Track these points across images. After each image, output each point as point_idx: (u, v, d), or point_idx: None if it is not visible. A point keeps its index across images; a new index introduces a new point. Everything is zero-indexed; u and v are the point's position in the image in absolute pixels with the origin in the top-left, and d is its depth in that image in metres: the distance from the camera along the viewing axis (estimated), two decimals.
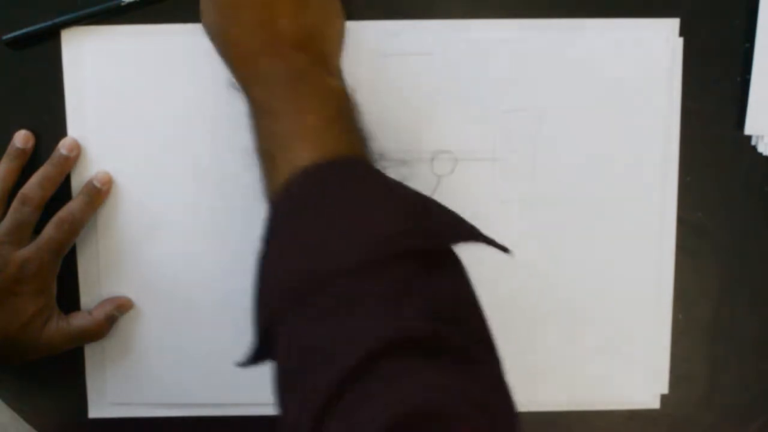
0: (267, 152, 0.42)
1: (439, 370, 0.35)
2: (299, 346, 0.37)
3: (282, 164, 0.40)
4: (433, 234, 0.38)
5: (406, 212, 0.39)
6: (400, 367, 0.34)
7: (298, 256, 0.38)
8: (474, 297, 0.40)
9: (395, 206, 0.39)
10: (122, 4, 0.52)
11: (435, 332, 0.35)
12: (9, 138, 0.53)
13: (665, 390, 0.57)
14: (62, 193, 0.53)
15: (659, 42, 0.53)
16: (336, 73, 0.44)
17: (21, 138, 0.53)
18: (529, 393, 0.56)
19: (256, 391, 0.56)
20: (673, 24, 0.53)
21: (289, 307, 0.38)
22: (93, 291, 0.55)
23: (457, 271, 0.40)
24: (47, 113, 0.53)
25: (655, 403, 0.57)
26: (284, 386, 0.38)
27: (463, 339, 0.36)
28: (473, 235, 0.40)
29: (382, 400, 0.33)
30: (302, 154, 0.39)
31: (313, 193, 0.39)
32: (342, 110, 0.43)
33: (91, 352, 0.56)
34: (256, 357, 0.42)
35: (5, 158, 0.53)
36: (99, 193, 0.53)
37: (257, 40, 0.42)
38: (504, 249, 0.41)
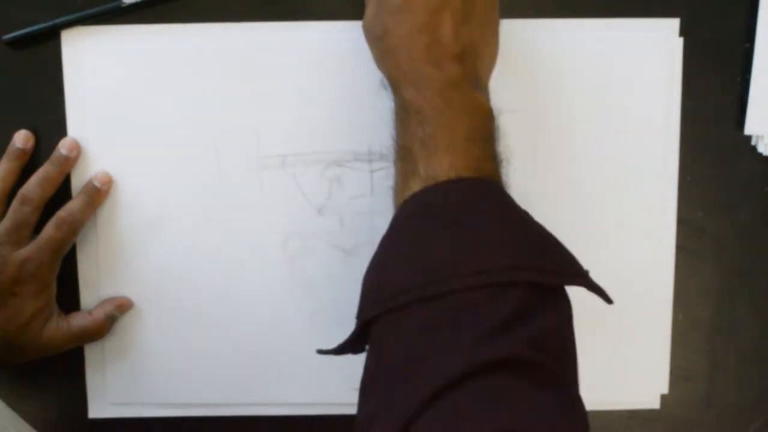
0: (409, 151, 0.43)
1: (540, 396, 0.36)
2: (406, 347, 0.38)
3: (422, 167, 0.42)
4: (554, 271, 0.40)
5: (533, 244, 0.41)
6: (503, 386, 0.36)
7: (425, 259, 0.40)
8: (574, 339, 0.41)
9: (524, 236, 0.41)
10: (123, 4, 0.52)
11: (541, 361, 0.37)
12: (9, 138, 0.53)
13: (665, 390, 0.57)
14: (62, 193, 0.53)
15: (659, 42, 0.53)
16: (485, 91, 0.46)
17: (21, 138, 0.53)
18: None
19: (257, 391, 0.56)
20: (673, 24, 0.53)
21: (403, 307, 0.39)
22: (93, 291, 0.55)
23: (565, 310, 0.41)
24: (47, 113, 0.53)
25: (655, 403, 0.57)
26: (378, 384, 0.39)
27: (565, 376, 0.38)
28: (586, 279, 0.42)
29: (480, 415, 0.35)
30: (444, 163, 0.42)
31: (453, 205, 0.41)
32: (487, 129, 0.45)
33: (91, 352, 0.56)
34: (347, 347, 0.44)
35: (5, 158, 0.53)
36: (99, 193, 0.53)
37: (420, 44, 0.44)
38: (608, 300, 0.43)
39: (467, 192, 0.42)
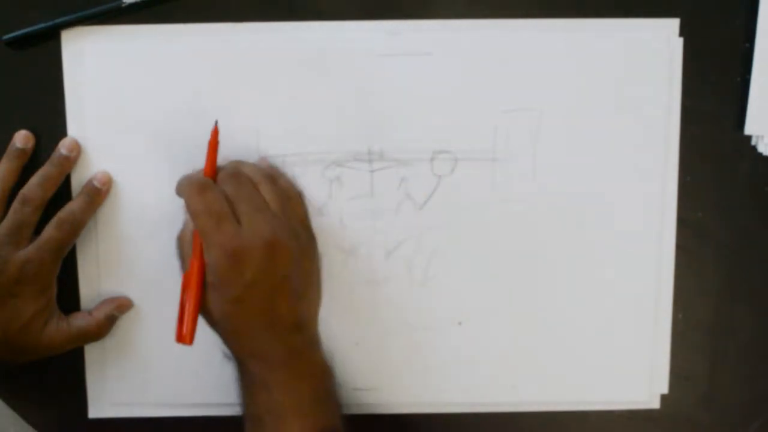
0: (259, 419, 0.47)
1: None
2: None
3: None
4: None
5: None
6: None
7: None
8: None
9: None
10: (123, 4, 0.52)
11: None
12: (9, 138, 0.53)
13: (665, 390, 0.57)
14: (62, 193, 0.53)
15: (659, 42, 0.53)
16: (320, 343, 0.50)
17: (21, 138, 0.53)
18: (529, 392, 0.56)
19: None
20: (673, 24, 0.53)
21: None
22: (93, 291, 0.55)
23: None
24: (47, 113, 0.53)
25: (655, 403, 0.57)
26: None
27: None
28: None
29: None
30: (295, 427, 0.46)
31: None
32: (329, 386, 0.49)
33: (91, 352, 0.56)
34: None
35: (5, 158, 0.53)
36: (99, 193, 0.53)
37: (260, 324, 0.47)
38: None
39: None
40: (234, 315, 0.47)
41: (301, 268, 0.48)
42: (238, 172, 0.48)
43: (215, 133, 0.49)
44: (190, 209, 0.46)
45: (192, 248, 0.47)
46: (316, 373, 0.49)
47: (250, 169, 0.49)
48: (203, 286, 0.47)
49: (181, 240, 0.49)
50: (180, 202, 0.47)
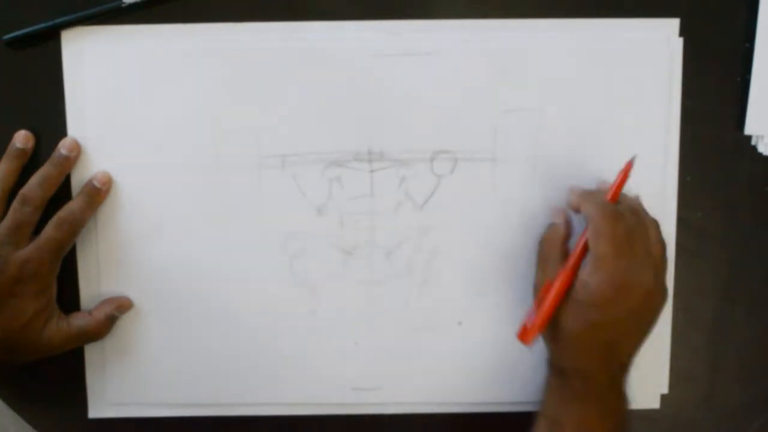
0: (557, 423, 0.50)
1: None
2: None
3: None
4: None
5: None
6: None
7: None
8: None
9: None
10: (123, 4, 0.52)
11: None
12: (9, 138, 0.53)
13: (665, 390, 0.57)
14: (62, 193, 0.53)
15: (659, 42, 0.53)
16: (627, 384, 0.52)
17: (21, 138, 0.53)
18: (529, 393, 0.56)
19: (257, 391, 0.56)
20: (673, 24, 0.53)
21: None
22: (93, 291, 0.55)
23: None
24: (47, 113, 0.53)
25: (655, 403, 0.57)
26: None
27: None
28: None
29: None
30: None
31: None
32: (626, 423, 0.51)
33: (91, 352, 0.56)
34: None
35: (5, 158, 0.53)
36: (99, 193, 0.53)
37: (601, 352, 0.49)
38: None
39: None
40: (585, 336, 0.48)
41: (654, 318, 0.50)
42: (640, 210, 0.50)
43: (630, 165, 0.50)
44: (595, 229, 0.48)
45: (561, 257, 0.50)
46: (622, 408, 0.51)
47: (644, 209, 0.51)
48: (566, 296, 0.49)
49: (548, 242, 0.52)
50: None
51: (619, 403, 0.50)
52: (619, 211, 0.49)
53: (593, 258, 0.48)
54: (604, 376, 0.49)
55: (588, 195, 0.51)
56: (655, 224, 0.51)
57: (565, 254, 0.51)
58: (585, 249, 0.49)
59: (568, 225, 0.52)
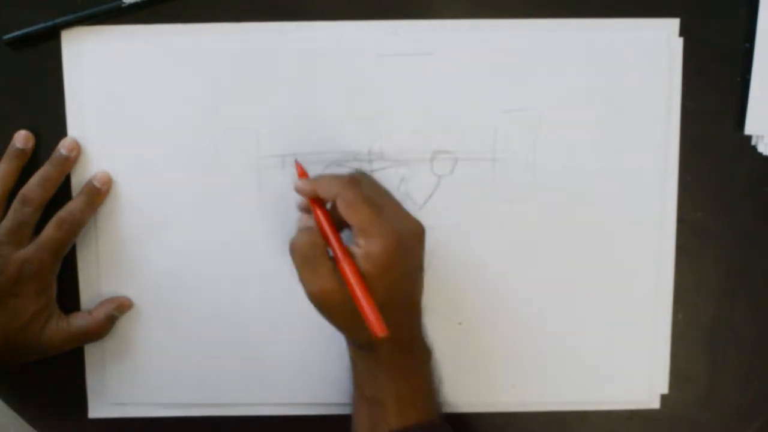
0: (377, 400, 0.49)
1: None
2: None
3: (392, 415, 0.48)
4: None
5: None
6: None
7: None
8: None
9: None
10: (123, 4, 0.52)
11: None
12: (9, 138, 0.53)
13: (665, 390, 0.57)
14: (62, 193, 0.53)
15: (659, 42, 0.53)
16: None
17: (21, 138, 0.53)
18: (529, 393, 0.56)
19: (256, 391, 0.56)
20: (673, 24, 0.53)
21: None
22: (93, 291, 0.55)
23: None
24: (47, 113, 0.53)
25: (655, 403, 0.57)
26: None
27: None
28: None
29: None
30: (411, 412, 0.49)
31: None
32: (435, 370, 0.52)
33: (91, 352, 0.56)
34: None
35: (5, 158, 0.53)
36: (99, 193, 0.53)
37: (404, 309, 0.49)
38: None
39: None
40: (387, 303, 0.46)
41: (423, 252, 0.49)
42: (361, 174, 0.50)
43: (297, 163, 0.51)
44: (345, 202, 0.46)
45: (326, 253, 0.47)
46: (427, 357, 0.51)
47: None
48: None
49: (306, 245, 0.47)
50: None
51: (427, 356, 0.51)
52: (353, 176, 0.48)
53: (359, 229, 0.46)
54: (410, 331, 0.49)
55: (319, 179, 0.48)
56: (365, 174, 0.50)
57: (323, 245, 0.47)
58: (337, 232, 0.47)
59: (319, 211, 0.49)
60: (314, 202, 0.48)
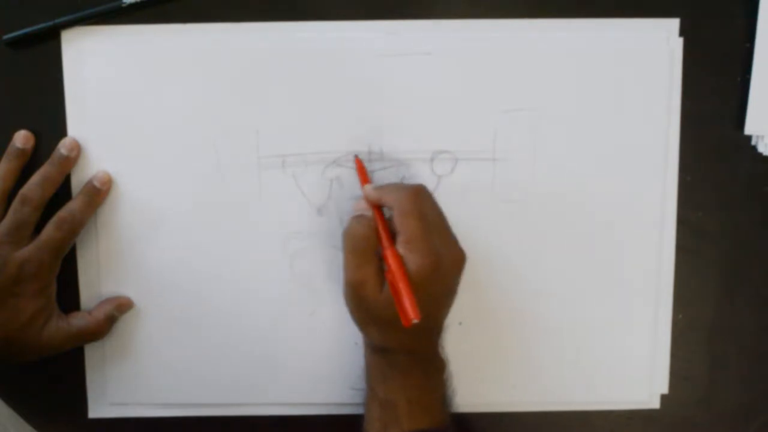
0: (390, 402, 0.49)
1: None
2: None
3: (404, 417, 0.49)
4: None
5: None
6: None
7: None
8: None
9: None
10: (123, 4, 0.52)
11: None
12: (9, 138, 0.53)
13: (665, 390, 0.57)
14: (62, 193, 0.53)
15: (659, 42, 0.53)
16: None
17: (21, 138, 0.53)
18: (529, 393, 0.56)
19: (257, 391, 0.56)
20: (673, 24, 0.53)
21: None
22: (93, 291, 0.55)
23: None
24: (47, 113, 0.53)
25: (655, 403, 0.57)
26: None
27: None
28: None
29: None
30: (423, 416, 0.49)
31: None
32: (449, 380, 0.52)
33: (91, 352, 0.56)
34: None
35: (5, 158, 0.53)
36: (99, 193, 0.53)
37: (428, 325, 0.49)
38: None
39: None
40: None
41: (459, 279, 0.50)
42: (418, 186, 0.50)
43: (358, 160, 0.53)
44: (401, 211, 0.47)
45: (375, 246, 0.48)
46: (444, 371, 0.52)
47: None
48: (385, 279, 0.48)
49: (357, 234, 0.49)
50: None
51: (441, 366, 0.51)
52: (416, 188, 0.49)
53: (404, 240, 0.47)
54: (426, 347, 0.50)
55: (385, 187, 0.50)
56: (427, 190, 0.51)
57: (375, 243, 0.49)
58: (390, 236, 0.48)
59: (376, 214, 0.50)
60: (375, 206, 0.50)
